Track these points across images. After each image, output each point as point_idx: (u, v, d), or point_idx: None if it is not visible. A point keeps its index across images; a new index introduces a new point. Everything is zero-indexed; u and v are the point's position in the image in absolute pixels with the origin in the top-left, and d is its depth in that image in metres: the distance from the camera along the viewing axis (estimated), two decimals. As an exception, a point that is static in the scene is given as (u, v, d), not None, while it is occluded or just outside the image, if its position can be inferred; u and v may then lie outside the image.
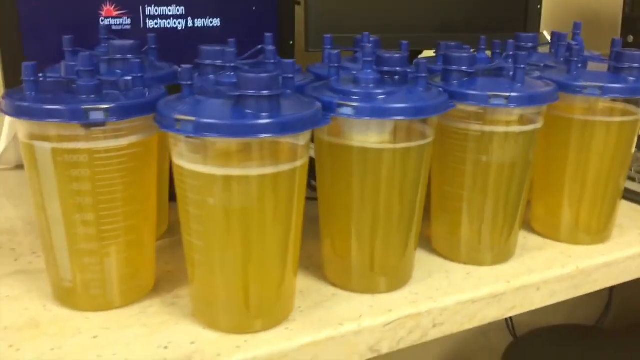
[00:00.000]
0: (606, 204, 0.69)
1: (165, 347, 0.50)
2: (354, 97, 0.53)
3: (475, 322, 0.60)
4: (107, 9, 0.69)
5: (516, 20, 0.93)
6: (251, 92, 0.47)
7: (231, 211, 0.48)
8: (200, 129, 0.45)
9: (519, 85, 0.59)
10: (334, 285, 0.59)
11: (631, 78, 0.64)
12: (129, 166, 0.51)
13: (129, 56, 0.60)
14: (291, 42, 0.79)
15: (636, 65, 0.64)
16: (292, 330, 0.52)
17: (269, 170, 0.48)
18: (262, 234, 0.50)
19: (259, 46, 0.61)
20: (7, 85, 0.68)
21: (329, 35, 0.68)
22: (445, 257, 0.65)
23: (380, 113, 0.53)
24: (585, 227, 0.69)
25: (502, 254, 0.65)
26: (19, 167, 0.86)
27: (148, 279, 0.57)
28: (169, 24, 0.73)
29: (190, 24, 0.74)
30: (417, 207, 0.58)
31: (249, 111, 0.47)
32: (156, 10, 0.72)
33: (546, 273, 0.63)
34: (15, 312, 0.54)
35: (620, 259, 0.68)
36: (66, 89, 0.51)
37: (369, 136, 0.55)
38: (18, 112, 0.49)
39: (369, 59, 0.55)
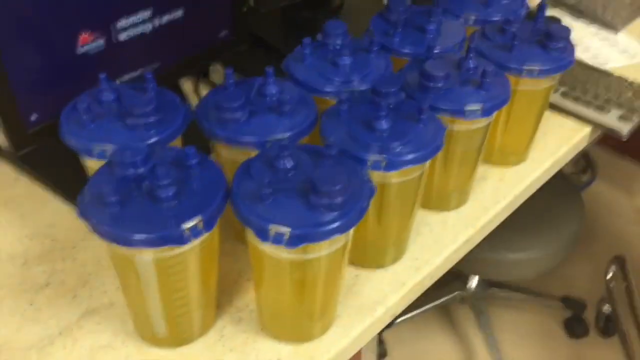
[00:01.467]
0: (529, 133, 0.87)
1: (261, 368, 0.64)
2: (379, 150, 0.62)
3: (450, 265, 0.79)
4: (83, 36, 0.67)
5: None
6: (324, 190, 0.55)
7: (304, 280, 0.60)
8: (294, 242, 0.54)
9: (485, 92, 0.71)
10: (352, 264, 0.73)
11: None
12: (210, 247, 0.60)
13: (151, 118, 0.63)
14: (245, 10, 0.81)
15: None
16: (344, 327, 0.68)
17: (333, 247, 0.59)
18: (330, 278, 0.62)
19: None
20: None
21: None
22: (423, 207, 0.81)
23: (403, 165, 0.63)
24: (513, 150, 0.87)
25: (464, 197, 0.82)
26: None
27: (215, 307, 0.68)
28: (138, 30, 0.72)
29: (157, 24, 0.73)
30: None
31: (323, 209, 0.55)
32: (126, 22, 0.71)
33: (496, 207, 0.82)
34: (121, 362, 0.64)
35: (539, 175, 0.88)
36: (143, 191, 0.56)
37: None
38: (111, 238, 0.54)
39: (385, 106, 0.63)
